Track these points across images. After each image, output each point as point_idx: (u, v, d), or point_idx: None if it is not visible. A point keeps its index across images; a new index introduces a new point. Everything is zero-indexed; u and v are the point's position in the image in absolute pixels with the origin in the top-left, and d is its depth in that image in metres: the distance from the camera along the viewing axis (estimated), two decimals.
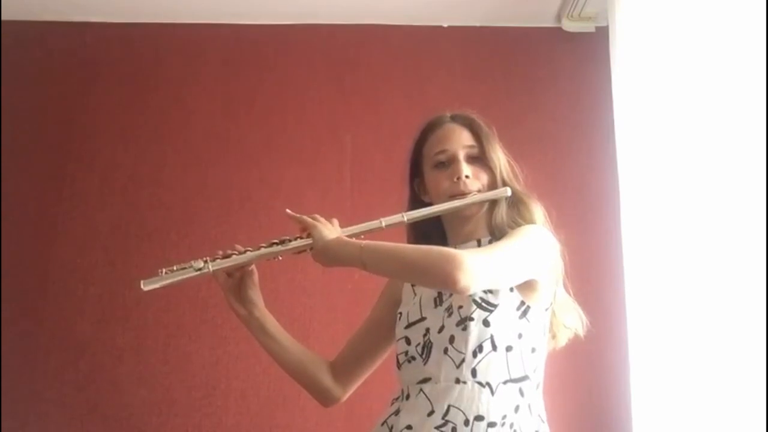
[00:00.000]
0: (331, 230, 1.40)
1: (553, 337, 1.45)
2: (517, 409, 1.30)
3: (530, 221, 1.42)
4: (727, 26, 1.72)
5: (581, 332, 1.47)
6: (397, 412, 1.36)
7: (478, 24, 2.77)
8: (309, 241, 1.41)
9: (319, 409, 2.19)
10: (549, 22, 2.77)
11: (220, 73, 2.73)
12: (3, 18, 2.66)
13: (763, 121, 1.54)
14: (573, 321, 1.46)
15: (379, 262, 1.32)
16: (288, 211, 1.45)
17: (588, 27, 2.73)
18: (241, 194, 2.58)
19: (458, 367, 1.31)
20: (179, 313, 2.45)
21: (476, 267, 1.22)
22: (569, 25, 2.73)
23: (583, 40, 2.74)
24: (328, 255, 1.37)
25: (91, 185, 2.59)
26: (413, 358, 1.38)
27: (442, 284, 1.29)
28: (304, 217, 1.43)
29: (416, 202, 1.53)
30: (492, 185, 1.45)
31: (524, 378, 1.33)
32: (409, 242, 1.52)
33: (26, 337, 2.42)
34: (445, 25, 2.79)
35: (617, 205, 2.23)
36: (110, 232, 2.54)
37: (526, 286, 1.35)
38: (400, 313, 1.45)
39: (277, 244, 1.44)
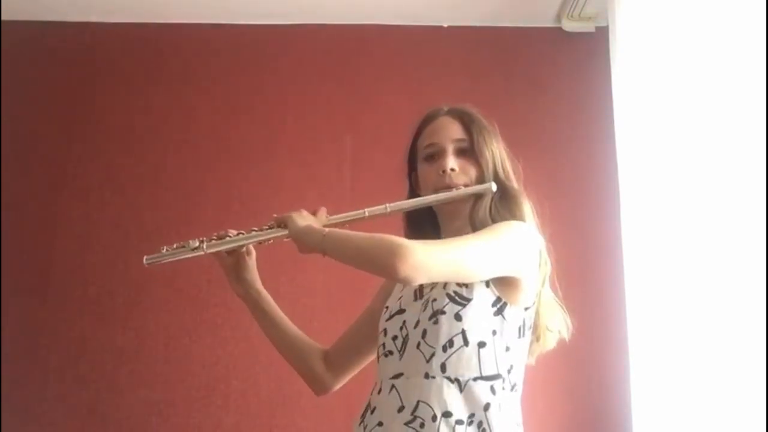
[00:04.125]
0: (304, 219, 1.41)
1: (537, 339, 1.41)
2: (487, 407, 1.26)
3: (519, 218, 1.39)
4: (727, 26, 1.71)
5: (566, 335, 1.44)
6: (372, 410, 1.35)
7: (478, 24, 2.77)
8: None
9: (319, 409, 2.19)
10: (549, 22, 2.77)
11: (220, 73, 2.73)
12: (3, 18, 2.66)
13: (763, 121, 1.54)
14: (557, 323, 1.42)
15: (336, 250, 1.33)
16: (275, 216, 1.48)
17: (588, 27, 2.73)
18: (241, 194, 2.59)
19: (428, 361, 1.29)
20: (179, 313, 2.45)
21: (423, 258, 1.21)
22: (569, 26, 2.73)
23: (583, 40, 2.74)
24: (298, 241, 1.39)
25: (91, 185, 2.59)
26: (390, 352, 1.37)
27: (386, 274, 1.28)
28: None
29: (413, 196, 1.53)
30: (480, 180, 1.43)
31: (497, 376, 1.30)
32: (405, 235, 1.51)
33: (26, 337, 2.42)
34: (445, 25, 2.79)
35: (617, 205, 2.23)
36: (110, 232, 2.54)
37: (505, 283, 1.33)
38: (387, 307, 1.45)
39: (267, 229, 1.48)
